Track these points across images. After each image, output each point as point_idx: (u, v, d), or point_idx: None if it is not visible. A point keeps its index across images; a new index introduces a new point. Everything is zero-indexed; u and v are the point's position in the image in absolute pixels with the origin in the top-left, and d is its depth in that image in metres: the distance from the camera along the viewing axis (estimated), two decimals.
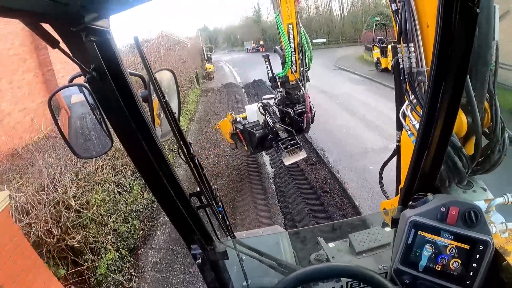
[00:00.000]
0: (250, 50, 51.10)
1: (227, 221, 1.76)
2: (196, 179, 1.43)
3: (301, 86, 7.20)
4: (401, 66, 1.88)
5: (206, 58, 33.38)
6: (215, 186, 1.64)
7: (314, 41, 42.48)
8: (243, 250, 1.72)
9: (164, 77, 1.47)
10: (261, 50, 47.77)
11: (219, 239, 1.63)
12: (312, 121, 7.65)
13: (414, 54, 1.82)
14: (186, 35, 43.92)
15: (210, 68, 28.15)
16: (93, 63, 0.97)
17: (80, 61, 0.95)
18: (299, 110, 7.44)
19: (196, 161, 1.44)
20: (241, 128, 7.92)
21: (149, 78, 1.16)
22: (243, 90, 21.14)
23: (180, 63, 21.65)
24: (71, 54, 0.93)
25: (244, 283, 1.81)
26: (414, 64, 1.83)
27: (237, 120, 8.45)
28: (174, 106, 1.44)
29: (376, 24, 21.49)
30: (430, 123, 1.35)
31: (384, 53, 18.71)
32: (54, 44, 0.86)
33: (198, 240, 1.52)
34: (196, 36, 46.61)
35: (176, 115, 1.42)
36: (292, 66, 6.95)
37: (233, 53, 56.32)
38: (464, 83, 1.25)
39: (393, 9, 1.91)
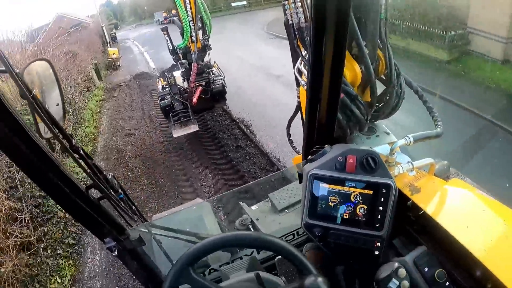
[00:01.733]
0: (162, 21, 43.02)
1: (133, 206, 1.74)
2: (85, 171, 1.39)
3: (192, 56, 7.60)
4: (290, 22, 1.94)
5: (108, 41, 25.98)
6: (111, 174, 1.60)
7: (233, 4, 40.50)
8: (161, 232, 1.73)
9: (41, 69, 1.38)
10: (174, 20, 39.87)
11: (131, 226, 1.62)
12: (224, 93, 8.57)
13: (301, 9, 1.87)
14: (88, 14, 40.03)
15: (114, 54, 22.63)
16: None
17: None
18: (201, 82, 8.04)
19: (82, 152, 1.40)
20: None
21: (12, 76, 1.06)
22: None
23: (68, 57, 15.32)
24: None
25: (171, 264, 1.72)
26: (302, 19, 1.89)
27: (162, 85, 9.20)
28: (57, 97, 1.43)
29: None
30: (318, 75, 1.40)
31: None
32: None
33: (109, 232, 1.48)
34: (100, 12, 42.11)
35: (60, 106, 1.40)
36: (192, 36, 7.09)
37: (141, 27, 50.96)
38: (346, 31, 1.27)
39: None
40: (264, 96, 11.09)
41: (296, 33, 1.95)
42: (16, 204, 5.65)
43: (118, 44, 32.88)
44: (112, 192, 1.53)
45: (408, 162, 1.66)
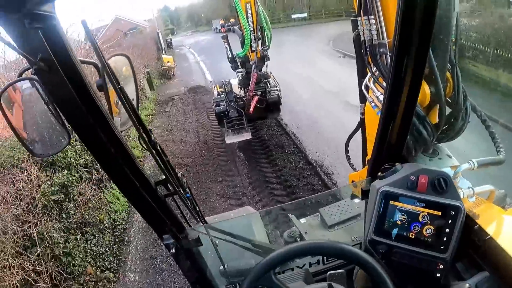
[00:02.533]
0: (219, 30, 42.08)
1: (197, 207, 1.81)
2: (160, 167, 1.44)
3: (253, 66, 7.84)
4: (362, 39, 1.98)
5: (163, 47, 25.03)
6: (181, 172, 1.67)
7: (293, 16, 39.28)
8: (216, 234, 1.79)
9: (119, 63, 1.44)
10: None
11: (190, 226, 1.69)
12: (279, 104, 8.60)
13: (375, 26, 1.91)
14: (145, 18, 41.08)
15: (168, 62, 21.45)
16: (40, 53, 0.92)
17: (25, 52, 0.89)
18: (258, 91, 8.19)
19: (159, 148, 1.46)
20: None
21: (102, 66, 1.11)
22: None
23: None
24: (14, 45, 0.88)
25: (221, 267, 1.89)
26: (375, 37, 1.93)
27: (218, 91, 9.54)
28: (131, 92, 1.44)
29: None
30: (395, 94, 1.43)
31: None
32: None
33: (169, 230, 1.55)
34: (157, 17, 42.98)
35: (134, 102, 1.42)
36: (251, 46, 7.29)
37: (197, 34, 51.20)
38: (427, 54, 1.32)
39: None
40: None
41: (368, 50, 1.98)
42: (34, 266, 4.76)
43: (173, 50, 32.44)
44: (181, 191, 1.58)
45: (469, 187, 1.67)
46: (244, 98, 8.72)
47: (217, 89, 9.89)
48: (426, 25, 1.21)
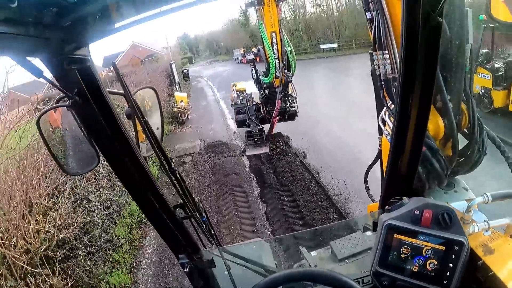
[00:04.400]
0: (241, 60, 38.59)
1: (212, 231, 1.94)
2: (178, 192, 1.60)
3: (278, 92, 8.82)
4: (377, 73, 2.12)
5: (177, 81, 21.18)
6: (198, 197, 1.85)
7: (322, 46, 36.79)
8: (230, 258, 1.91)
9: (147, 94, 1.65)
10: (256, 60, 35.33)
11: (206, 248, 1.86)
12: (295, 115, 10.02)
13: (389, 61, 2.04)
14: (164, 45, 38.95)
15: (182, 101, 17.84)
16: (75, 89, 1.12)
17: (63, 87, 1.11)
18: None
19: (178, 174, 1.61)
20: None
21: (128, 100, 1.29)
22: (248, 163, 11.63)
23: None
24: (55, 82, 1.10)
25: None
26: (389, 71, 2.05)
27: (236, 91, 11.41)
28: (158, 121, 1.67)
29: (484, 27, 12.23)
30: (403, 127, 1.53)
31: (500, 80, 11.18)
32: (38, 74, 0.97)
33: (185, 250, 1.70)
34: (175, 45, 45.25)
35: (159, 131, 1.63)
36: (276, 72, 7.96)
37: (216, 64, 48.62)
38: (432, 88, 1.41)
39: (368, 17, 2.14)
40: None
41: (383, 83, 2.11)
42: None
43: (189, 83, 28.55)
44: (197, 214, 1.72)
45: (484, 221, 1.67)
46: (263, 112, 10.31)
47: (235, 87, 11.58)
48: (430, 61, 1.32)
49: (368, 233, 2.30)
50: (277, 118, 9.56)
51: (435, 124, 1.94)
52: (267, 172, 10.14)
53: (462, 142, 2.06)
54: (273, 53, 7.94)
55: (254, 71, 9.48)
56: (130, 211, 8.59)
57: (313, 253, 2.33)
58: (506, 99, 11.19)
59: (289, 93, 9.58)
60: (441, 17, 1.18)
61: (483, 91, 11.80)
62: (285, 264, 2.40)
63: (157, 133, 1.55)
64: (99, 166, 8.43)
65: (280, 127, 12.40)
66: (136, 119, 1.34)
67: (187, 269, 1.71)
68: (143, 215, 8.12)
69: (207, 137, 14.20)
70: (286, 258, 2.56)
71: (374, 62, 2.10)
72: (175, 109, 17.24)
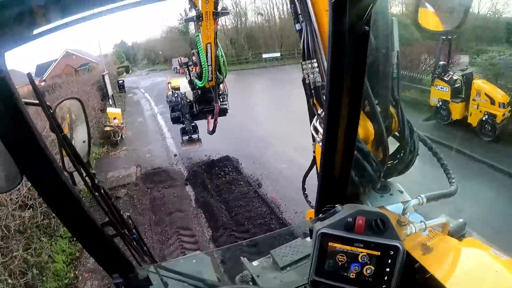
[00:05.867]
0: (179, 70, 37.03)
1: (145, 247, 1.94)
2: (103, 209, 1.57)
3: (213, 93, 9.65)
4: (307, 81, 2.19)
5: (110, 94, 19.32)
6: (127, 214, 1.80)
7: (264, 56, 36.33)
8: (167, 274, 1.84)
9: (73, 106, 1.60)
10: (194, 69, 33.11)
11: (141, 266, 1.80)
12: (226, 111, 10.73)
13: (317, 70, 2.12)
14: (99, 53, 36.45)
15: (115, 118, 15.98)
16: None
17: None
18: (206, 109, 10.60)
19: (102, 191, 1.60)
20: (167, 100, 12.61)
21: (45, 113, 1.24)
22: (194, 195, 10.58)
23: None
24: None
25: None
26: (318, 79, 2.12)
27: (171, 89, 12.31)
28: (84, 135, 1.63)
29: (442, 40, 12.76)
30: (333, 134, 1.55)
31: (458, 92, 11.65)
32: None
33: (118, 269, 1.63)
34: (112, 53, 44.97)
35: (86, 144, 1.60)
36: (208, 77, 8.82)
37: (155, 74, 48.25)
38: (361, 94, 1.45)
39: (297, 28, 2.22)
40: None
41: (313, 91, 2.18)
42: None
43: (125, 95, 26.45)
44: (127, 232, 1.70)
45: (421, 221, 1.75)
46: (196, 110, 10.94)
47: (170, 85, 12.52)
48: (358, 69, 1.35)
49: (308, 239, 2.33)
50: (216, 116, 10.26)
51: (365, 128, 2.02)
52: (218, 208, 9.09)
53: (395, 145, 2.17)
54: (207, 62, 8.50)
55: (187, 73, 10.13)
56: (55, 270, 7.20)
57: (255, 263, 2.33)
58: (464, 111, 11.33)
59: (221, 92, 10.51)
60: (368, 26, 1.23)
61: (440, 103, 12.26)
62: (225, 276, 2.36)
63: (83, 146, 1.53)
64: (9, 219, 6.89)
65: (227, 149, 12.32)
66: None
67: None
68: (71, 274, 6.85)
69: (144, 162, 12.79)
70: (227, 269, 2.56)
71: (304, 72, 2.20)
72: (107, 128, 15.24)
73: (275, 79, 24.98)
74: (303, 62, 2.18)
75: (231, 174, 10.84)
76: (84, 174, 1.44)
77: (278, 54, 36.16)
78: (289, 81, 20.80)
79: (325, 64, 2.06)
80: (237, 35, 40.25)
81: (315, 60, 2.11)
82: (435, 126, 12.50)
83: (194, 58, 9.69)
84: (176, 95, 11.61)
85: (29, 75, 1.22)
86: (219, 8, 7.94)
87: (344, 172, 1.67)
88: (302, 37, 2.16)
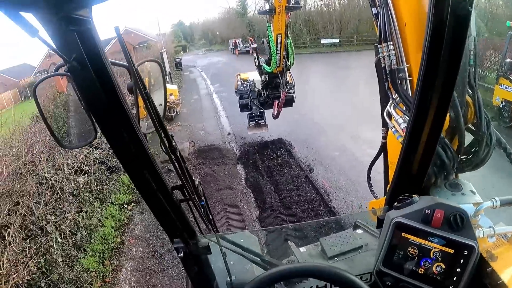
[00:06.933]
0: (238, 51, 37.20)
1: (210, 216, 1.92)
2: (177, 173, 1.54)
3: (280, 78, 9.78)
4: (382, 65, 2.15)
5: (168, 71, 19.86)
6: (198, 180, 1.78)
7: (323, 41, 35.45)
8: (226, 245, 1.86)
9: (152, 68, 1.61)
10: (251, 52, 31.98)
11: (202, 234, 1.80)
12: (292, 101, 10.59)
13: (393, 52, 2.08)
14: (158, 32, 36.82)
15: (172, 94, 15.78)
16: (74, 53, 1.02)
17: (60, 51, 1.01)
18: (273, 95, 10.64)
19: (178, 154, 1.55)
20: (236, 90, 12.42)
21: (131, 71, 1.22)
22: (244, 174, 10.46)
23: None
24: (52, 44, 0.99)
25: (228, 279, 1.93)
26: (394, 62, 2.09)
27: (241, 81, 12.13)
28: (161, 97, 1.61)
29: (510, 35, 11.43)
30: (420, 124, 1.46)
31: None
32: (33, 33, 0.88)
33: (180, 234, 1.64)
34: (169, 33, 44.95)
35: (162, 107, 1.58)
36: (276, 64, 9.16)
37: (211, 53, 47.77)
38: (454, 84, 1.35)
39: (374, 12, 2.20)
40: None
41: (388, 75, 2.13)
42: None
43: (182, 73, 27.08)
44: (196, 198, 1.69)
45: (490, 227, 1.64)
46: (264, 96, 11.01)
47: (239, 77, 12.31)
48: (455, 53, 1.26)
49: (359, 231, 2.28)
50: (282, 103, 10.33)
51: None
52: (267, 189, 8.97)
53: (468, 138, 2.09)
54: (276, 50, 8.77)
55: (256, 59, 10.12)
56: (103, 234, 7.60)
57: (302, 249, 2.30)
58: None
59: (288, 81, 10.43)
60: (471, 7, 1.14)
61: (504, 103, 11.08)
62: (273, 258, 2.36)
63: (159, 109, 1.51)
64: (64, 182, 7.55)
65: (281, 132, 12.26)
66: (138, 93, 1.28)
67: (182, 254, 1.64)
68: (118, 239, 7.23)
69: (197, 139, 12.96)
70: (270, 251, 2.53)
71: (379, 55, 2.14)
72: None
73: (332, 63, 24.29)
74: (379, 46, 2.13)
75: (283, 156, 10.65)
76: (163, 135, 1.43)
77: (336, 40, 35.34)
78: (347, 67, 20.23)
79: (401, 47, 2.02)
80: (296, 18, 39.23)
81: (391, 43, 2.05)
82: (496, 128, 11.33)
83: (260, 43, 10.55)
84: (245, 85, 11.83)
85: (116, 28, 1.21)
86: (291, 2, 8.13)
87: (424, 162, 1.59)
88: (379, 21, 2.11)
